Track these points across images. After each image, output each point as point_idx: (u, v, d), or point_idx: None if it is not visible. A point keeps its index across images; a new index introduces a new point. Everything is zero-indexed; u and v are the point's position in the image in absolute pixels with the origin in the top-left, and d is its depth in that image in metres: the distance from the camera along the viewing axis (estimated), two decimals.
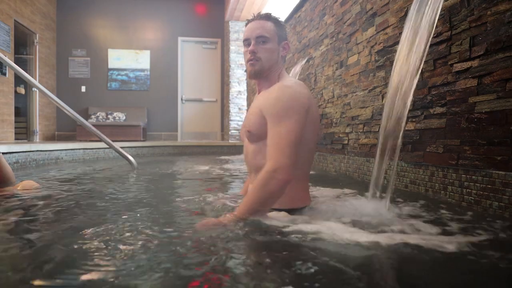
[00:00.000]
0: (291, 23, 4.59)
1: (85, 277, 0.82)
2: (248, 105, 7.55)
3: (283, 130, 1.26)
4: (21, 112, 7.28)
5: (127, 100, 8.33)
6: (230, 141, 7.53)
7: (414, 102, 2.03)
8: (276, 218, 1.26)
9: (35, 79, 6.84)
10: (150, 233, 1.17)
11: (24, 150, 3.77)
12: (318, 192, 1.97)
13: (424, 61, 1.61)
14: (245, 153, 1.51)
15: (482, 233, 1.15)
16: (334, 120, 3.23)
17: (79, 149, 4.77)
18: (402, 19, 2.17)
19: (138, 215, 1.50)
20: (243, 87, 7.99)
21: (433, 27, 1.59)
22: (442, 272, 0.86)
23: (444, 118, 1.81)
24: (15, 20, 6.20)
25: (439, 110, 1.85)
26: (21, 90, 6.73)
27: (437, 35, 1.84)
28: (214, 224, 1.21)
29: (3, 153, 2.48)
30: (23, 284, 0.81)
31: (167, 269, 0.86)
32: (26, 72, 3.52)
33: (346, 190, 1.99)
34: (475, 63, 1.61)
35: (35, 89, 6.83)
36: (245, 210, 1.25)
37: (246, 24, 1.49)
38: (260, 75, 1.44)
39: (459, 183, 1.69)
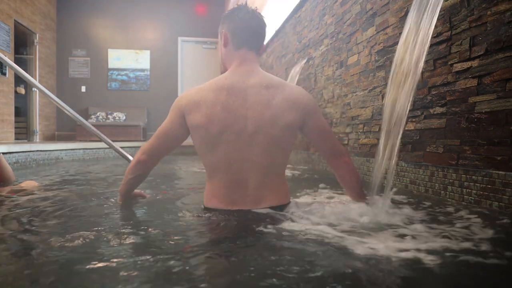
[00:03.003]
0: (291, 23, 4.59)
1: (84, 279, 0.82)
2: None
3: None
4: (21, 112, 7.28)
5: (127, 100, 8.34)
6: None
7: (414, 102, 2.03)
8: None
9: (35, 79, 6.84)
10: (152, 232, 1.17)
11: (24, 150, 3.78)
12: (317, 192, 1.97)
13: (424, 61, 1.61)
14: None
15: (481, 234, 1.14)
16: (334, 120, 3.23)
17: (79, 149, 4.78)
18: (402, 19, 2.17)
19: (139, 214, 1.50)
20: None
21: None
22: (442, 274, 0.86)
23: (444, 118, 1.81)
24: (15, 20, 6.20)
25: (439, 110, 1.85)
26: (21, 90, 6.73)
27: (437, 35, 1.84)
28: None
29: (3, 153, 2.48)
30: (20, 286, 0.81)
31: (169, 265, 0.87)
32: (26, 72, 3.52)
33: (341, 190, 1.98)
34: (475, 63, 1.61)
35: (35, 89, 6.83)
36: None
37: None
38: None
39: (459, 183, 1.69)
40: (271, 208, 1.35)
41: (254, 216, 1.29)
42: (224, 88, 1.34)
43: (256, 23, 1.42)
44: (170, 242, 1.09)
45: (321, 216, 1.30)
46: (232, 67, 1.41)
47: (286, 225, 1.19)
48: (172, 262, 0.88)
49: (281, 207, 1.37)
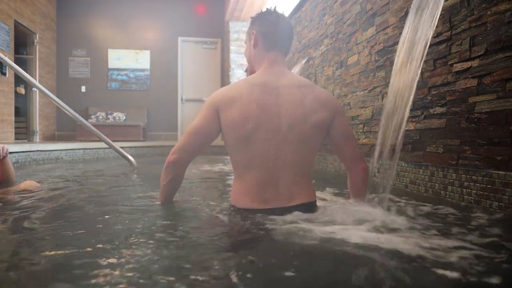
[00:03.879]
0: (291, 23, 4.59)
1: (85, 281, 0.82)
2: None
3: None
4: (21, 112, 7.27)
5: (127, 100, 8.33)
6: None
7: (414, 102, 2.03)
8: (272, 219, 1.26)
9: (35, 79, 6.84)
10: (154, 230, 1.17)
11: (24, 150, 3.78)
12: (317, 193, 1.97)
13: (424, 61, 1.61)
14: None
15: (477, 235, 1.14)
16: None
17: (79, 149, 4.77)
18: (402, 19, 2.17)
19: (139, 214, 1.50)
20: None
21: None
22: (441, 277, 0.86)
23: (444, 118, 1.81)
24: (15, 20, 6.20)
25: (439, 110, 1.85)
26: (21, 90, 6.73)
27: (437, 35, 1.84)
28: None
29: None
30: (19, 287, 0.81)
31: (173, 266, 0.86)
32: (26, 72, 3.52)
33: (345, 191, 1.98)
34: (475, 63, 1.61)
35: (35, 89, 6.83)
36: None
37: None
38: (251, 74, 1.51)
39: (459, 183, 1.69)
40: (301, 205, 1.35)
41: (289, 217, 1.27)
42: (257, 86, 1.36)
43: (286, 27, 1.49)
44: (210, 247, 1.07)
45: (352, 216, 1.29)
46: (262, 68, 1.44)
47: (323, 227, 1.18)
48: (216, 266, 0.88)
49: (310, 204, 1.39)
